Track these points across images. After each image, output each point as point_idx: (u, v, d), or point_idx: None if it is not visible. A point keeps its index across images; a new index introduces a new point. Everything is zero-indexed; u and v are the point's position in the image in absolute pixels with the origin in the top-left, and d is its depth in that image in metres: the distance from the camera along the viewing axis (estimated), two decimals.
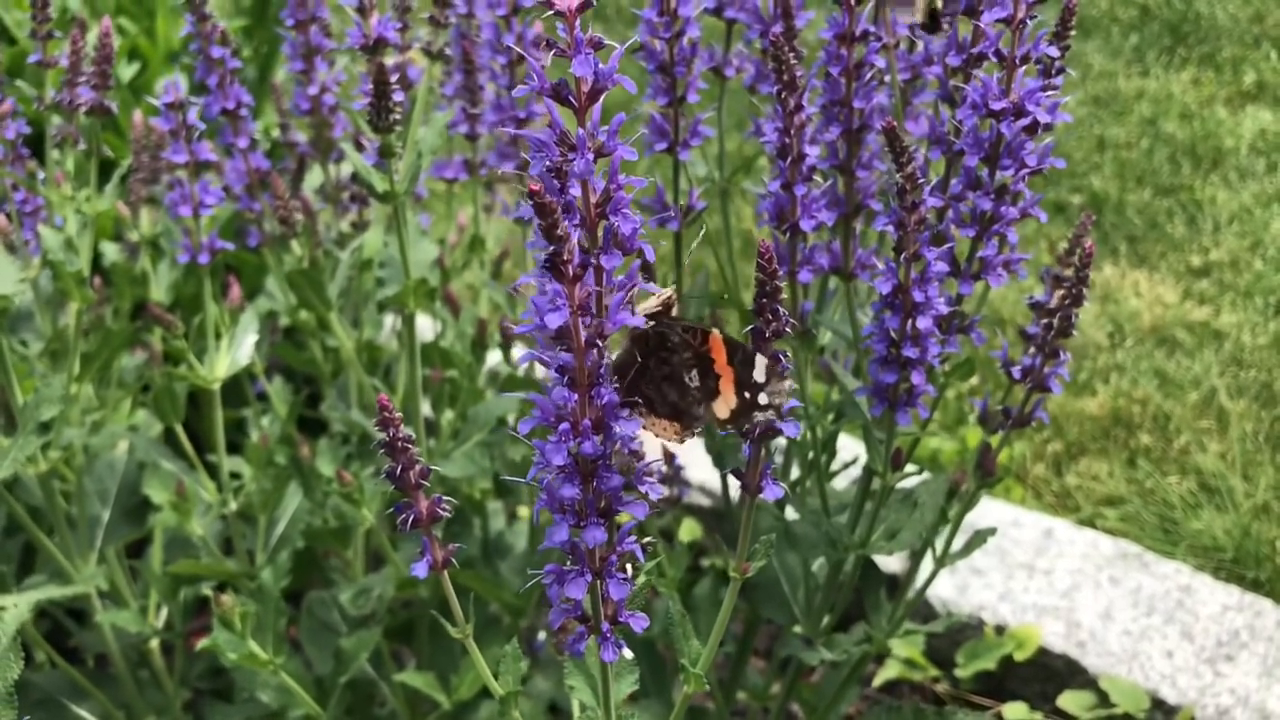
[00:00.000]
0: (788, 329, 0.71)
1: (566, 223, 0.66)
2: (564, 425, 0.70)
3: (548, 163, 0.68)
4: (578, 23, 0.66)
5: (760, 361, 0.71)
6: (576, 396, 0.70)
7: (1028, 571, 1.86)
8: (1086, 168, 3.08)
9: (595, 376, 0.70)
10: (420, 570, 0.77)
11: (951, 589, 1.83)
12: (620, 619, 0.76)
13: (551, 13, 0.65)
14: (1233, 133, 3.12)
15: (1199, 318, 2.54)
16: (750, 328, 0.73)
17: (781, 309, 0.71)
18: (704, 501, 1.97)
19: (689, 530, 1.95)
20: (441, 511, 0.76)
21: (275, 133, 1.99)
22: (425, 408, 1.66)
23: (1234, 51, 3.45)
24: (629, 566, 0.75)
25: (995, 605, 1.81)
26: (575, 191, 0.69)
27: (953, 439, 2.20)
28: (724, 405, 0.72)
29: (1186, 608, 1.76)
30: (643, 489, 0.73)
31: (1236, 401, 2.30)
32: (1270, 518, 2.01)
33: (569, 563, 0.74)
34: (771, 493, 0.76)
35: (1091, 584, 1.82)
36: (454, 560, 0.77)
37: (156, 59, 2.51)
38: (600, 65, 0.67)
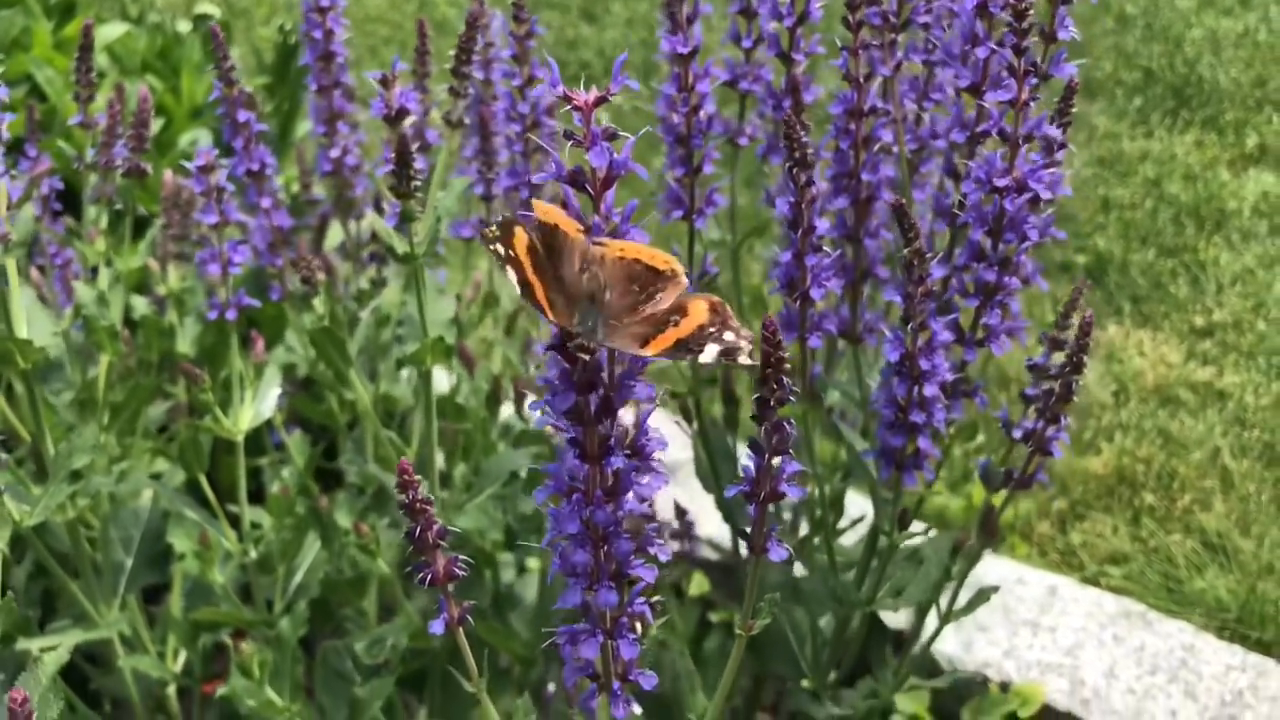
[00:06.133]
0: (791, 397, 0.74)
1: None
2: (576, 494, 0.73)
3: None
4: (593, 116, 0.70)
5: None
6: (588, 467, 0.73)
7: (1032, 629, 1.88)
8: (1091, 228, 3.12)
9: (606, 447, 0.73)
10: (437, 627, 0.79)
11: (957, 645, 1.84)
12: (630, 677, 0.79)
13: (569, 107, 0.69)
14: (1235, 195, 3.17)
15: (1202, 378, 2.57)
16: (756, 395, 0.76)
17: (786, 379, 0.73)
18: (713, 556, 1.99)
19: (698, 584, 1.97)
20: (458, 570, 0.79)
21: (295, 187, 2.05)
22: (439, 459, 1.69)
23: (1236, 115, 3.51)
24: (639, 626, 0.78)
25: (1000, 662, 1.83)
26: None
27: (959, 496, 2.23)
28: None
29: (1190, 667, 1.78)
30: (652, 551, 0.76)
31: (1240, 461, 2.32)
32: (1274, 578, 2.02)
33: (582, 623, 0.77)
34: (776, 554, 0.79)
35: (1095, 642, 1.83)
36: (469, 616, 0.80)
37: (181, 115, 2.58)
38: (615, 155, 0.71)
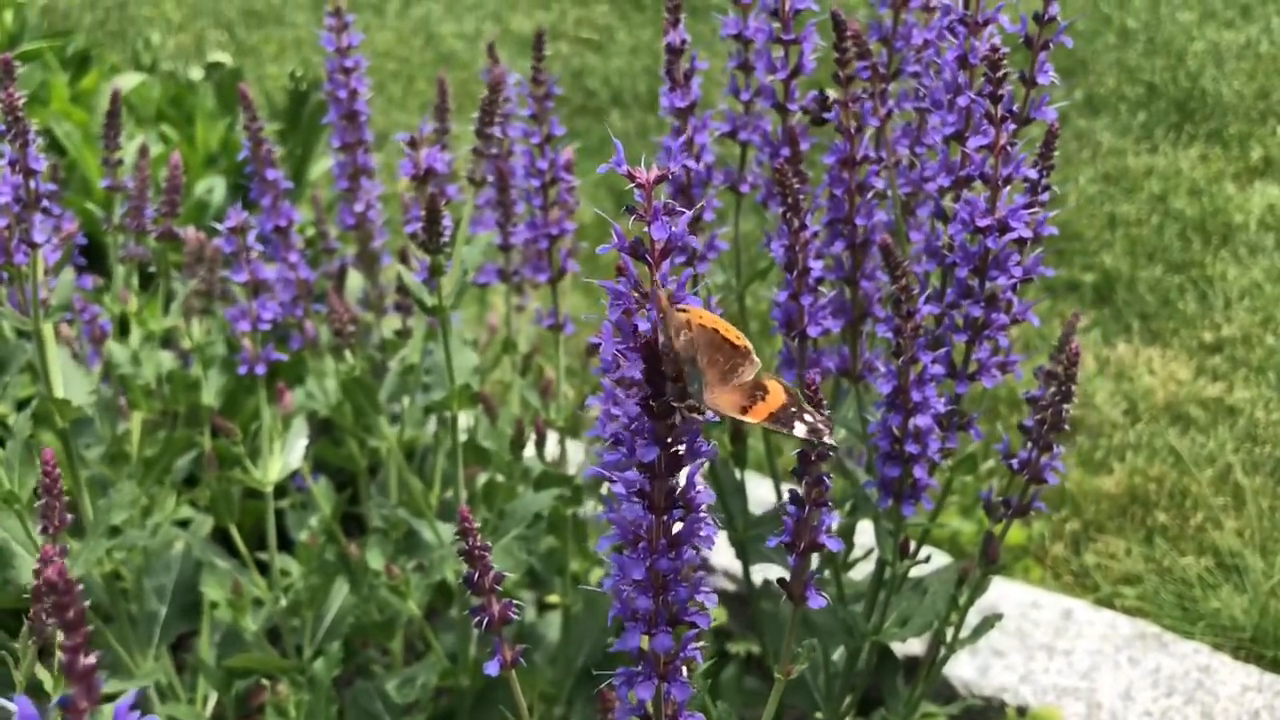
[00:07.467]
0: (830, 453, 0.79)
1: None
2: (643, 544, 0.77)
3: (624, 308, 0.76)
4: (653, 191, 0.74)
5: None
6: (653, 518, 0.77)
7: (1048, 652, 1.90)
8: (1098, 245, 3.15)
9: (671, 500, 0.77)
10: (492, 669, 0.84)
11: (973, 670, 1.87)
12: (680, 718, 0.83)
13: (632, 185, 0.74)
14: (1241, 208, 3.19)
15: (1212, 394, 2.59)
16: (799, 451, 0.80)
17: (828, 437, 0.77)
18: (728, 586, 2.03)
19: (715, 616, 2.00)
20: (512, 615, 0.82)
21: (309, 231, 2.11)
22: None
23: (1240, 128, 3.53)
24: (686, 669, 0.81)
25: (1016, 687, 1.85)
26: (643, 326, 0.76)
27: (970, 520, 2.25)
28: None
29: (1206, 688, 1.79)
30: (700, 599, 0.80)
31: (1252, 478, 2.34)
32: None
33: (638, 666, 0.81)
34: (815, 602, 0.82)
35: (1111, 664, 1.86)
36: (521, 659, 0.84)
37: (195, 163, 2.64)
38: (674, 229, 0.75)
